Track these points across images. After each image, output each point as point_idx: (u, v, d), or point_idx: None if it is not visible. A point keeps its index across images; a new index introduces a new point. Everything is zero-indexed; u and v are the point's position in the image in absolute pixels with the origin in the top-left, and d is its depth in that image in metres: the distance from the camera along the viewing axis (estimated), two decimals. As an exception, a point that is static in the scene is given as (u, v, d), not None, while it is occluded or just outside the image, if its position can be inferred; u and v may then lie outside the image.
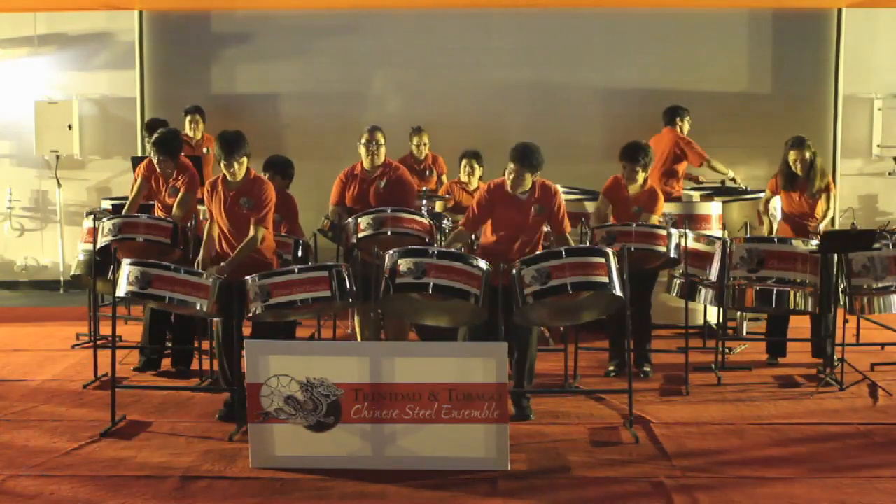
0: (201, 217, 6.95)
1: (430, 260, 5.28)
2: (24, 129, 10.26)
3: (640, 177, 6.57)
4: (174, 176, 6.63)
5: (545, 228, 5.99)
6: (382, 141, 6.49)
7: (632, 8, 9.99)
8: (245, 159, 5.70)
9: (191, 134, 9.00)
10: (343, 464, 4.84)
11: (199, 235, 6.28)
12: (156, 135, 6.66)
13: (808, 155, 6.90)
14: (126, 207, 6.85)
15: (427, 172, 8.57)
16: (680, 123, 8.49)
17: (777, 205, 7.24)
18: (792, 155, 6.91)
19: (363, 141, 6.48)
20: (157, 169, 6.61)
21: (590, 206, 7.61)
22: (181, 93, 9.89)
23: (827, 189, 6.98)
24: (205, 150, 8.83)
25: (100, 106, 10.35)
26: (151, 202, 6.86)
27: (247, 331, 5.71)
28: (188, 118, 9.04)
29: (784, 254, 6.36)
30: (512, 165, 5.74)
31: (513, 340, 5.46)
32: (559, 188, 8.50)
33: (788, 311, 6.73)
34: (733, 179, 8.55)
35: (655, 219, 6.60)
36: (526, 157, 5.72)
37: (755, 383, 6.49)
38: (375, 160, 6.47)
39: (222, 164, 5.69)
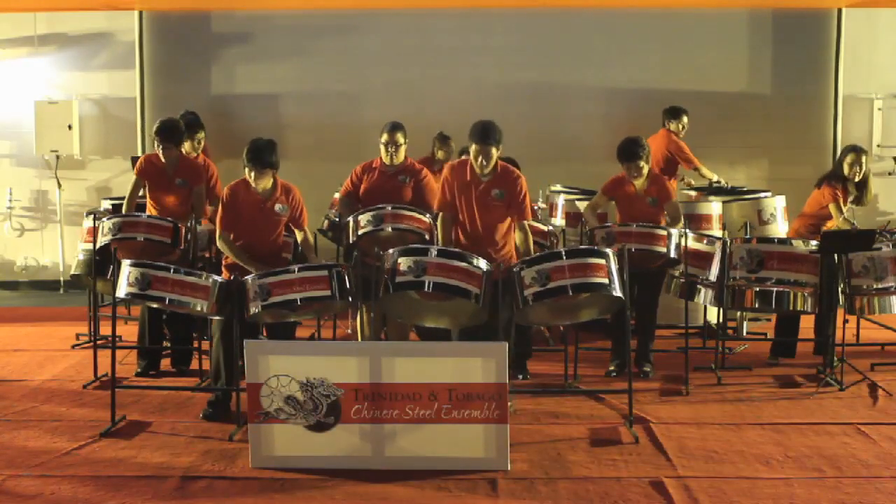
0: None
1: (430, 258, 5.28)
2: (24, 129, 10.26)
3: (645, 170, 6.55)
4: (178, 168, 6.66)
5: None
6: (402, 141, 6.50)
7: (632, 8, 9.99)
8: (270, 171, 5.77)
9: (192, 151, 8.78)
10: (343, 464, 4.84)
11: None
12: (156, 125, 6.74)
13: (864, 161, 6.89)
14: (125, 206, 6.88)
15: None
16: (674, 125, 8.50)
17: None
18: (850, 157, 6.87)
19: (382, 140, 6.50)
20: (162, 158, 6.63)
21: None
22: (181, 93, 9.90)
23: None
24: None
25: (100, 106, 10.35)
26: (143, 201, 6.88)
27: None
28: (187, 143, 8.66)
29: (784, 254, 6.37)
30: (475, 147, 5.69)
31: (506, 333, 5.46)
32: (559, 186, 8.63)
33: (788, 312, 6.73)
34: (718, 181, 8.55)
35: (677, 202, 6.64)
36: (486, 133, 5.67)
37: (755, 383, 6.49)
38: (395, 160, 6.49)
39: (246, 170, 5.75)
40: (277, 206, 5.86)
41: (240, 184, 5.87)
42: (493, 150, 5.70)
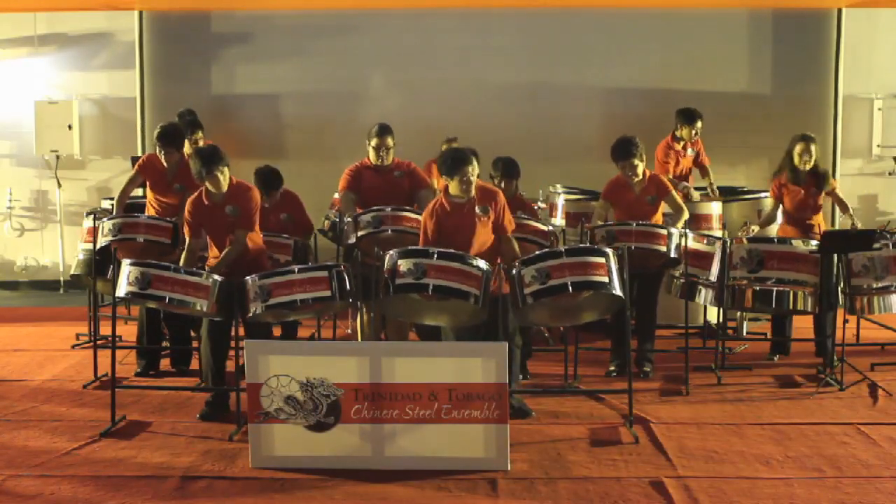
0: None
1: (430, 260, 5.27)
2: (24, 129, 10.26)
3: (641, 168, 6.54)
4: (177, 173, 6.66)
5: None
6: (392, 144, 6.52)
7: (632, 8, 9.99)
8: (226, 169, 5.74)
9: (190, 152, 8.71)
10: (343, 464, 4.84)
11: None
12: (158, 129, 6.72)
13: (813, 150, 6.90)
14: (117, 197, 6.88)
15: None
16: (685, 131, 8.18)
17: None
18: (800, 146, 6.89)
19: (372, 144, 6.51)
20: (164, 161, 6.62)
21: (589, 207, 7.61)
22: (181, 93, 9.89)
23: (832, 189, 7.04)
24: None
25: (100, 106, 10.35)
26: (142, 201, 6.87)
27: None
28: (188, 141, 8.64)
29: (784, 254, 6.37)
30: (458, 180, 5.56)
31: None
32: (559, 186, 8.63)
33: (788, 312, 6.73)
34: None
35: (676, 194, 6.64)
36: (463, 160, 5.58)
37: (755, 383, 6.49)
38: (385, 162, 6.52)
39: (205, 179, 5.70)
40: (228, 208, 5.78)
41: (200, 192, 5.84)
42: (470, 170, 5.60)
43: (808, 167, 6.91)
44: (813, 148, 6.90)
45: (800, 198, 6.96)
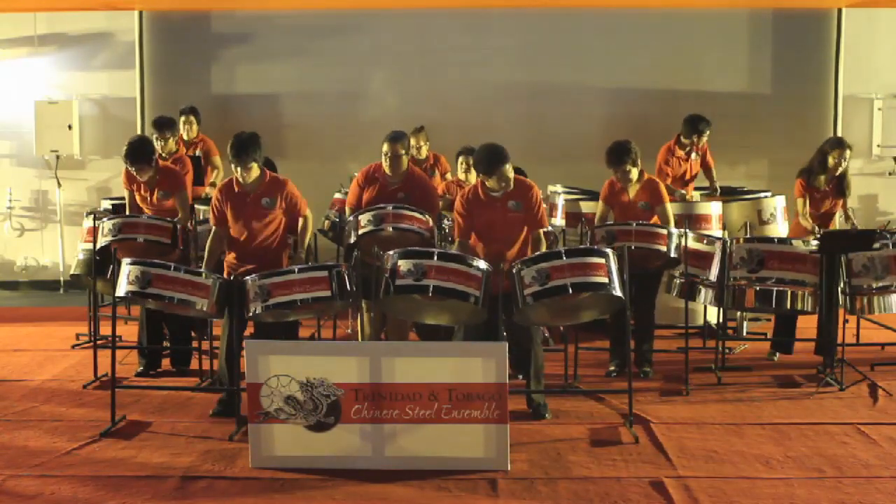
0: (200, 216, 6.97)
1: (430, 261, 5.27)
2: (24, 129, 10.27)
3: (634, 174, 6.54)
4: (157, 181, 6.63)
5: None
6: (403, 152, 6.37)
7: (632, 8, 10.00)
8: (255, 164, 5.80)
9: (184, 135, 8.85)
10: (343, 464, 4.84)
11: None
12: (125, 147, 6.57)
13: (848, 156, 6.95)
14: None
15: (430, 174, 8.47)
16: (692, 138, 8.09)
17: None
18: (837, 152, 6.93)
19: (383, 150, 6.37)
20: (138, 178, 6.61)
21: (589, 207, 7.61)
22: (181, 93, 9.90)
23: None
24: (196, 152, 8.70)
25: (100, 106, 10.36)
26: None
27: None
28: (182, 118, 8.89)
29: (784, 254, 6.37)
30: (495, 179, 5.66)
31: (515, 342, 5.43)
32: (559, 186, 8.64)
33: (788, 312, 6.73)
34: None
35: (668, 207, 6.60)
36: (498, 158, 5.66)
37: (755, 383, 6.49)
38: (397, 171, 6.41)
39: (232, 166, 5.80)
40: (264, 200, 5.86)
41: (229, 181, 5.94)
42: (508, 168, 5.67)
43: (838, 172, 6.94)
44: (848, 154, 6.94)
45: (819, 201, 6.97)
